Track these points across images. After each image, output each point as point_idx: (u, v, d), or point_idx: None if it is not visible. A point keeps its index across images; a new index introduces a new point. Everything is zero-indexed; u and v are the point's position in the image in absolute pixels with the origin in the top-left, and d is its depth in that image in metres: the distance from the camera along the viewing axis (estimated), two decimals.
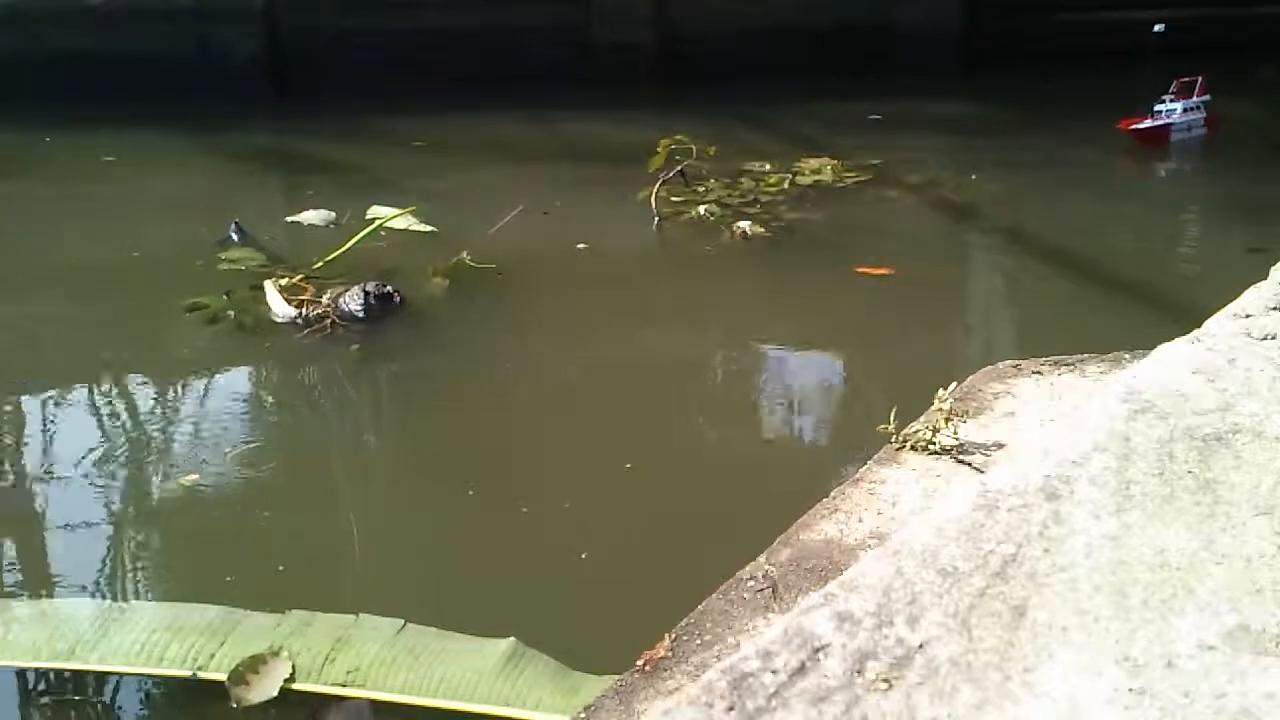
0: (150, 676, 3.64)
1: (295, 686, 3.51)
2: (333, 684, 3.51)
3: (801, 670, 1.76)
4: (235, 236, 7.67)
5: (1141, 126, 9.93)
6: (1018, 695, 1.73)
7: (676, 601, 2.87)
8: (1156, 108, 10.15)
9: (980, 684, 1.75)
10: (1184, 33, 11.99)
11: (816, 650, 1.80)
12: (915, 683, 1.75)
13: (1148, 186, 9.28)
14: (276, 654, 3.60)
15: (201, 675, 3.55)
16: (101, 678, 3.70)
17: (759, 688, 1.73)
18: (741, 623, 2.58)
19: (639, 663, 2.52)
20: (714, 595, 2.72)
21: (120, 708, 3.69)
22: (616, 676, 3.38)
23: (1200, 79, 10.28)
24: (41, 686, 3.75)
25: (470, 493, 4.84)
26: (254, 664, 3.56)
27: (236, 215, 7.86)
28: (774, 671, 1.76)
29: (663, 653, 2.51)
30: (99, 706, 3.71)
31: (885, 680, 1.75)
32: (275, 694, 3.48)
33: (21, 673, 3.75)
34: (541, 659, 3.57)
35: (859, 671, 1.76)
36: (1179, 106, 10.14)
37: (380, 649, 3.63)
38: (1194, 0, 12.54)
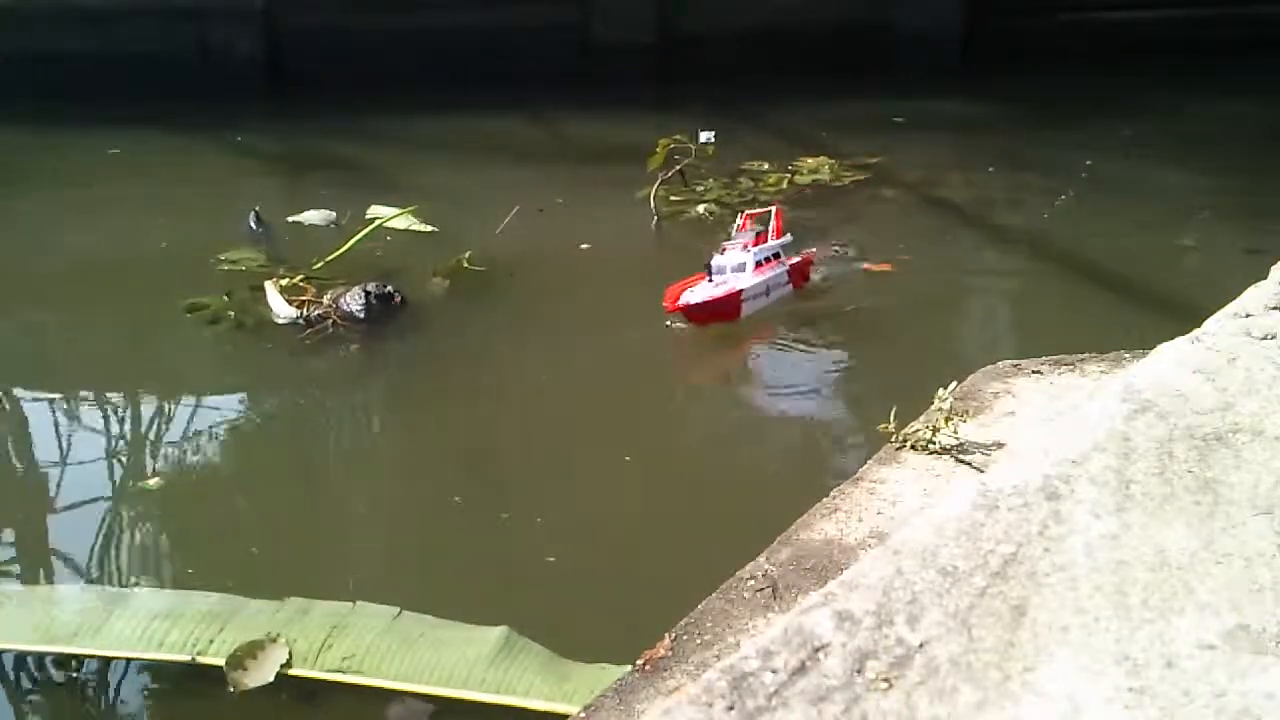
0: (150, 661, 3.68)
1: (291, 672, 3.56)
2: (329, 670, 3.58)
3: (801, 670, 1.77)
4: (254, 225, 7.71)
5: (695, 301, 6.11)
6: (1018, 695, 1.73)
7: (673, 596, 2.87)
8: (716, 263, 6.37)
9: (980, 683, 1.75)
10: (1182, 31, 12.01)
11: (816, 650, 1.80)
12: (915, 682, 1.75)
13: (1147, 187, 9.25)
14: (274, 640, 3.66)
15: (200, 660, 3.62)
16: (102, 662, 3.74)
17: (759, 687, 1.73)
18: (741, 622, 2.59)
19: (639, 662, 2.52)
20: (714, 595, 2.72)
21: (120, 692, 3.74)
22: (606, 665, 3.43)
23: (775, 209, 7.02)
24: (44, 670, 3.79)
25: (468, 488, 4.85)
26: (251, 650, 3.62)
27: (238, 216, 7.87)
28: (774, 671, 1.76)
29: (663, 652, 2.51)
30: (100, 690, 3.75)
31: (885, 680, 1.75)
32: (271, 679, 3.54)
33: (24, 656, 3.79)
34: (533, 647, 3.63)
35: (859, 671, 1.76)
36: (749, 258, 6.44)
37: (376, 636, 3.69)
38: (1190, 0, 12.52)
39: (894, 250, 7.39)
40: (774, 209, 7.04)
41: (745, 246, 6.55)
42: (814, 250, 7.10)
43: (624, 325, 6.43)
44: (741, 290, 6.25)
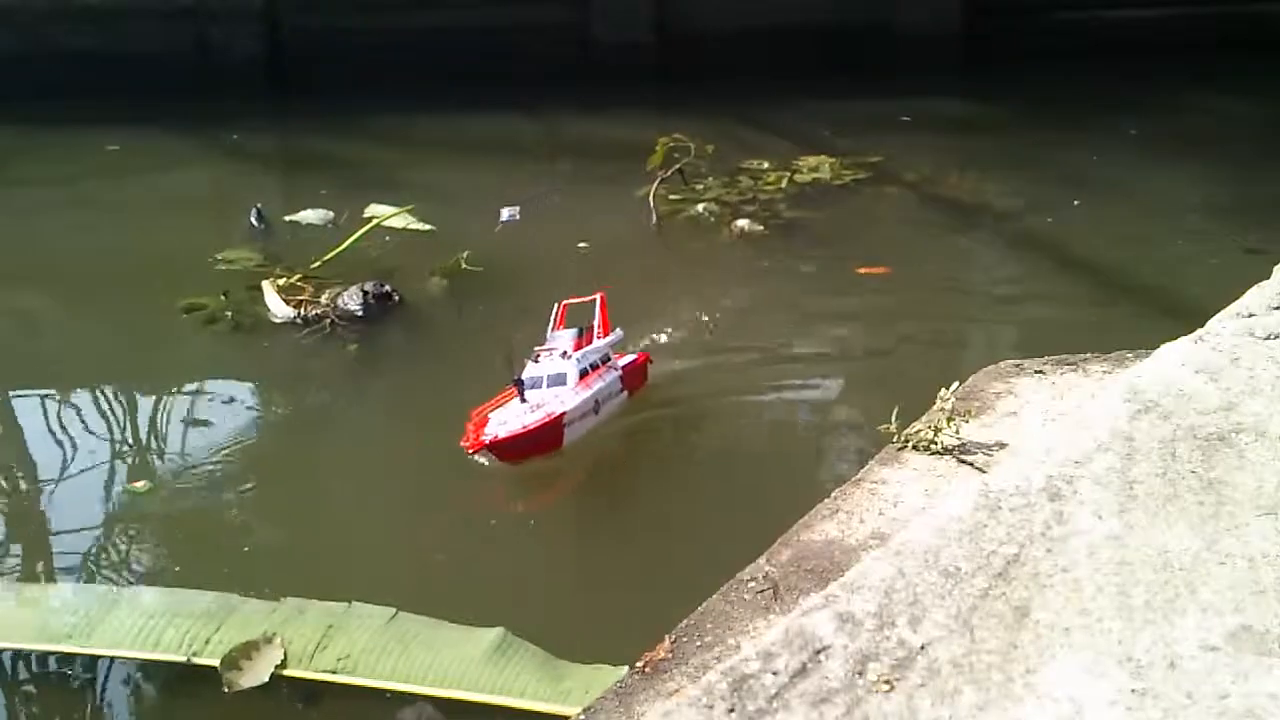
0: (145, 661, 3.68)
1: (286, 672, 3.58)
2: (323, 670, 3.59)
3: (802, 672, 1.75)
4: (256, 222, 7.72)
5: (505, 435, 4.78)
6: (1020, 696, 1.72)
7: (673, 597, 2.86)
8: (529, 375, 5.14)
9: (982, 685, 1.74)
10: (1182, 31, 12.00)
11: (818, 651, 1.79)
12: (917, 684, 1.73)
13: (1148, 186, 9.24)
14: (269, 640, 3.67)
15: (195, 660, 3.63)
16: (97, 661, 3.75)
17: (760, 689, 1.72)
18: (742, 624, 2.57)
19: (639, 664, 2.51)
20: (714, 596, 2.71)
21: (115, 691, 3.74)
22: (602, 666, 3.43)
23: (599, 297, 5.64)
24: (39, 669, 3.79)
25: (465, 488, 4.84)
26: (247, 650, 3.65)
27: (237, 215, 7.86)
28: (775, 673, 1.75)
29: (662, 654, 2.50)
30: (94, 690, 3.74)
31: (887, 682, 1.74)
32: (266, 679, 3.55)
33: (19, 655, 3.79)
34: (529, 648, 3.65)
35: (860, 673, 1.75)
36: (570, 368, 5.17)
37: (371, 637, 3.71)
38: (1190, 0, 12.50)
39: (894, 249, 7.38)
40: (598, 297, 5.63)
41: (565, 353, 5.24)
42: (645, 355, 5.78)
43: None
44: (563, 414, 4.94)
